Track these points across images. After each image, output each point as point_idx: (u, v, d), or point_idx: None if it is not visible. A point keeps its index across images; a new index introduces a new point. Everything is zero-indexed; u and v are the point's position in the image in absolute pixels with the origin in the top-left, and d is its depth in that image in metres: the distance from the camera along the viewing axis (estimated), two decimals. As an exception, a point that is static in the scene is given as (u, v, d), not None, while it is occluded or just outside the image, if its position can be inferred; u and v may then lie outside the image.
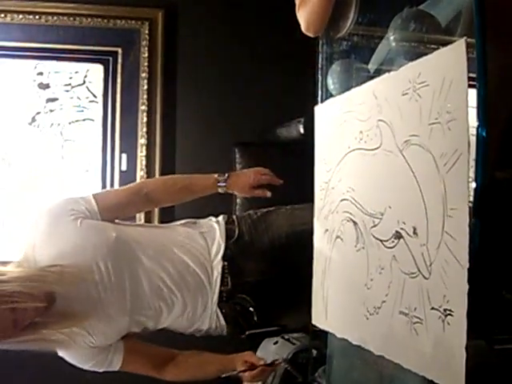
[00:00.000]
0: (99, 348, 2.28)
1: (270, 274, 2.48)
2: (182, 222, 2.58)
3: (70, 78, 3.88)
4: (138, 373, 2.42)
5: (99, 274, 2.21)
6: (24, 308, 1.98)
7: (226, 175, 2.43)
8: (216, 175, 2.44)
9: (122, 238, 2.29)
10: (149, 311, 2.33)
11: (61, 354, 2.29)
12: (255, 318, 2.44)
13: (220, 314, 2.43)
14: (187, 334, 2.49)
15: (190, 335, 2.51)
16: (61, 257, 2.17)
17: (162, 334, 2.48)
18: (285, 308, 2.55)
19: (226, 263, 2.41)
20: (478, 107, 1.37)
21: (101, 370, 2.33)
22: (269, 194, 2.47)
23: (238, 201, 3.46)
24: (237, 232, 2.50)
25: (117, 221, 2.41)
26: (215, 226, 2.51)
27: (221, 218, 2.57)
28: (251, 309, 2.43)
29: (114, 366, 2.34)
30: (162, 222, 3.57)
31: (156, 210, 3.71)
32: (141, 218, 3.68)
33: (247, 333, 2.47)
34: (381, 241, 1.76)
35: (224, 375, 2.35)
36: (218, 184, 2.43)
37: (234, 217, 2.60)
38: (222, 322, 2.44)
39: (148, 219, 3.72)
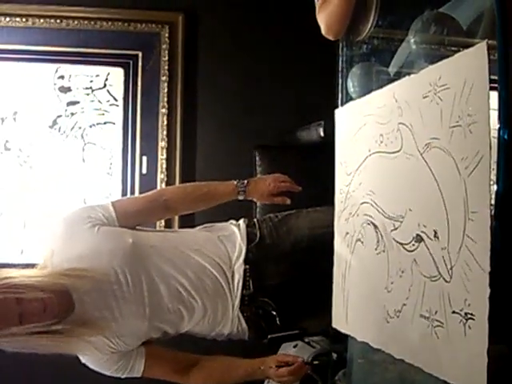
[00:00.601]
0: (120, 354, 2.28)
1: (292, 276, 2.47)
2: (201, 226, 2.58)
3: (91, 81, 3.90)
4: (161, 378, 2.40)
5: (116, 280, 2.21)
6: (29, 300, 1.97)
7: (245, 182, 2.43)
8: (235, 182, 2.43)
9: (138, 244, 2.29)
10: (168, 316, 2.32)
11: (83, 360, 2.29)
12: (278, 322, 2.43)
13: (242, 317, 2.41)
14: (209, 338, 2.48)
15: (211, 340, 2.50)
16: (77, 263, 2.18)
17: (180, 340, 2.48)
18: (306, 311, 2.54)
19: (247, 266, 2.40)
20: (500, 109, 1.37)
21: (123, 376, 2.33)
22: (288, 201, 2.47)
23: (259, 204, 3.46)
24: (258, 235, 2.49)
25: (138, 227, 2.42)
26: (235, 230, 2.50)
27: (241, 221, 2.56)
28: (273, 312, 2.42)
29: (136, 371, 2.33)
30: (182, 226, 3.57)
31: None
32: (161, 223, 3.68)
33: (269, 337, 2.46)
34: (401, 244, 1.76)
35: (262, 367, 2.35)
36: (238, 191, 2.43)
37: (255, 220, 2.58)
38: (244, 325, 2.43)
39: (168, 224, 3.72)
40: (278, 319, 2.42)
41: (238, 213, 2.65)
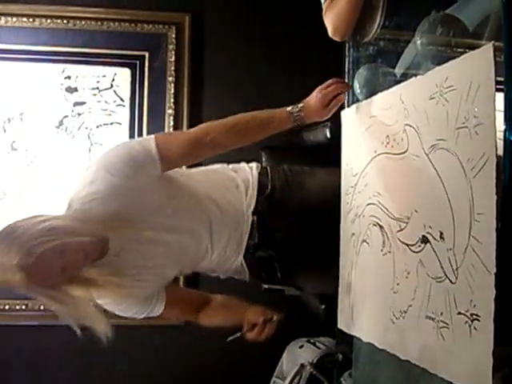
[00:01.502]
0: (143, 298, 2.27)
1: (297, 233, 2.45)
2: (220, 167, 2.52)
3: (98, 81, 3.90)
4: (175, 317, 2.49)
5: (158, 233, 2.19)
6: (73, 250, 1.91)
7: (299, 106, 2.27)
8: (289, 109, 2.29)
9: (178, 196, 2.26)
10: (192, 264, 2.37)
11: (101, 301, 2.24)
12: (278, 275, 2.45)
13: (244, 264, 2.42)
14: (212, 275, 2.53)
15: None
16: (119, 214, 2.11)
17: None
18: (307, 270, 2.53)
19: (255, 217, 2.38)
20: (506, 112, 1.37)
21: (140, 317, 2.32)
22: (343, 97, 2.25)
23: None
24: (269, 186, 2.44)
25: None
26: (249, 177, 2.45)
27: (254, 166, 2.51)
28: (276, 264, 2.43)
29: (155, 313, 2.33)
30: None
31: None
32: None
33: (266, 286, 2.48)
34: (407, 245, 1.76)
35: (229, 339, 2.31)
36: (293, 118, 2.27)
37: (268, 168, 2.53)
38: (246, 271, 2.45)
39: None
40: (278, 272, 2.44)
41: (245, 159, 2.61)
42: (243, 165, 2.53)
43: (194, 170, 2.42)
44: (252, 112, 2.32)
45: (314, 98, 2.23)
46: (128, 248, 2.14)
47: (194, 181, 2.38)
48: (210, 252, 2.35)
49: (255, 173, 2.47)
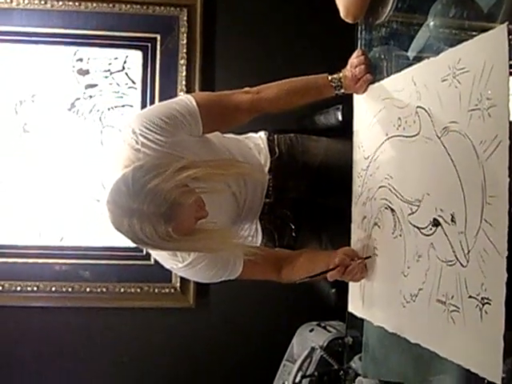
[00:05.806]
0: (219, 256, 2.21)
1: (305, 195, 2.50)
2: (228, 135, 2.48)
3: (109, 64, 3.89)
4: (258, 278, 2.37)
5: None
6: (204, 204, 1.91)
7: (341, 75, 2.27)
8: (329, 78, 2.29)
9: (220, 153, 2.29)
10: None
11: (181, 272, 2.26)
12: (293, 234, 2.47)
13: (259, 225, 2.44)
14: None
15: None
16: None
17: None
18: (318, 233, 2.58)
19: (270, 176, 2.41)
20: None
21: (218, 280, 2.27)
22: (369, 77, 2.23)
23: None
24: (277, 151, 2.48)
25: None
26: (259, 142, 2.49)
27: (262, 133, 2.55)
28: (291, 224, 2.46)
29: (236, 271, 2.26)
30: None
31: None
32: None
33: (277, 249, 2.46)
34: (418, 228, 1.76)
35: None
36: (334, 86, 2.28)
37: (275, 136, 2.55)
38: (260, 232, 2.46)
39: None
40: (293, 231, 2.47)
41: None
42: (251, 134, 2.56)
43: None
44: (291, 86, 2.42)
45: (348, 71, 2.26)
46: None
47: (222, 141, 2.38)
48: (240, 212, 2.38)
49: (264, 138, 2.51)
